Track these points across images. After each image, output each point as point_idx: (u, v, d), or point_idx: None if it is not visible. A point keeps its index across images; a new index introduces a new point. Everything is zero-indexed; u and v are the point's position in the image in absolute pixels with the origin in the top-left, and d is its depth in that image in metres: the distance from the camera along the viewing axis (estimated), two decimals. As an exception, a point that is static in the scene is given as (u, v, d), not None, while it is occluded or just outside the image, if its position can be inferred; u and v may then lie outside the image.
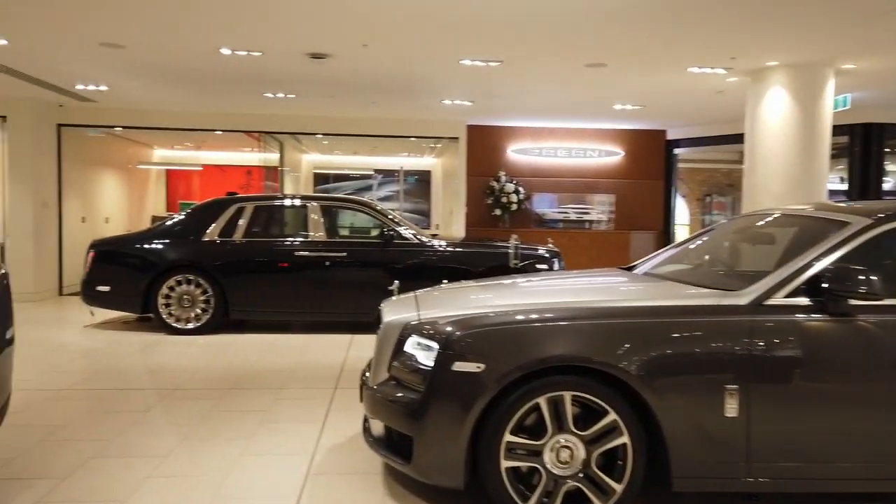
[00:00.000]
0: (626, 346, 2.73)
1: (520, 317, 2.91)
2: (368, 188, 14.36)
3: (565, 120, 10.29)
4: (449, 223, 11.90)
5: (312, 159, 13.83)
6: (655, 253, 4.27)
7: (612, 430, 2.73)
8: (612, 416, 2.71)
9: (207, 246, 6.97)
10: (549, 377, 2.73)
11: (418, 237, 7.22)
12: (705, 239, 4.22)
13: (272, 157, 11.73)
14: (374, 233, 7.49)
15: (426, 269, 7.07)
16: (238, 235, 7.03)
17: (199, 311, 6.89)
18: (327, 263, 6.99)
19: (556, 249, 7.53)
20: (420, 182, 14.70)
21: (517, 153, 10.76)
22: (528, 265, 6.99)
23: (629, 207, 10.87)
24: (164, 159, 13.80)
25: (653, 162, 10.93)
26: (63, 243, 9.69)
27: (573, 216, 10.63)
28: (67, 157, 9.82)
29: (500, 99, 8.47)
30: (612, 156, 10.84)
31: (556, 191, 10.80)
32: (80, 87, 8.14)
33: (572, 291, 3.64)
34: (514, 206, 10.39)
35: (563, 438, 2.73)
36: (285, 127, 10.20)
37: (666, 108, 8.90)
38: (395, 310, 3.29)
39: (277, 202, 7.57)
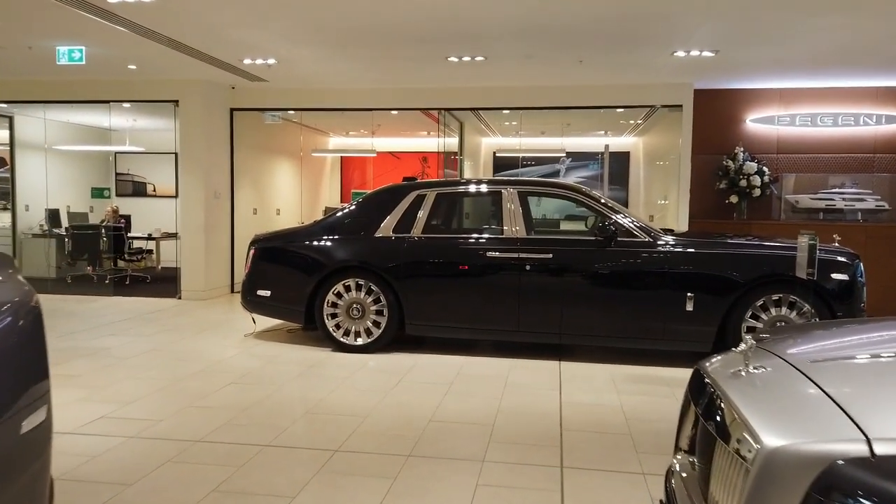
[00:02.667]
0: None
1: None
2: (556, 173, 12.53)
3: (830, 76, 7.69)
4: (664, 214, 9.73)
5: (494, 143, 12.29)
6: None
7: None
8: None
9: (380, 243, 5.61)
10: None
11: (649, 232, 5.30)
12: None
13: (450, 143, 10.33)
14: (589, 227, 5.70)
15: (663, 278, 5.15)
16: (417, 230, 5.59)
17: (369, 323, 5.57)
18: (528, 268, 5.32)
19: (854, 252, 5.22)
20: (616, 165, 12.58)
21: (759, 123, 8.33)
22: (821, 276, 4.78)
23: (925, 191, 7.97)
24: (338, 147, 13.04)
25: (959, 128, 7.92)
26: (235, 237, 9.02)
27: (840, 203, 7.99)
28: (240, 144, 9.12)
29: (758, 44, 6.22)
30: (895, 122, 8.02)
31: (816, 170, 8.21)
32: (247, 61, 7.21)
33: None
34: (757, 192, 8.00)
35: None
36: (467, 102, 8.69)
37: None
38: (775, 412, 1.49)
39: (463, 188, 6.00)
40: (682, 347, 5.22)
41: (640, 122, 10.49)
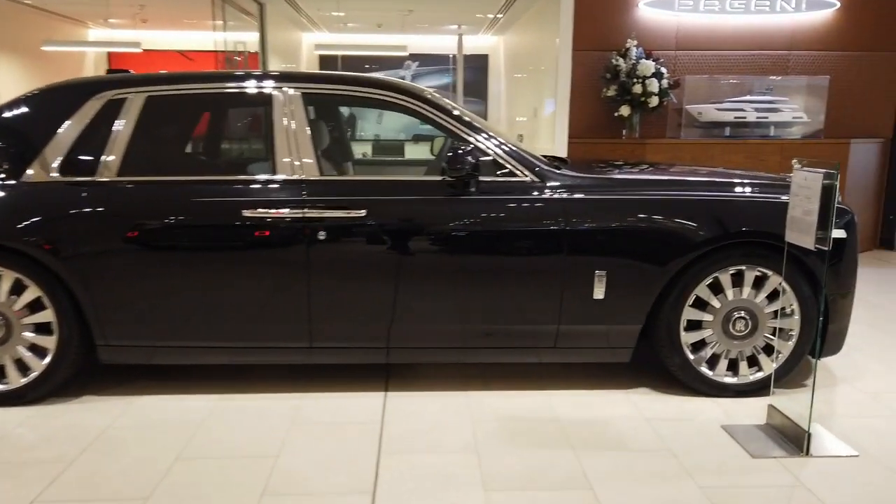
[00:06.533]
0: None
1: None
2: (399, 82, 9.95)
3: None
4: (533, 134, 7.61)
5: (317, 39, 9.42)
6: None
7: None
8: None
9: (32, 196, 2.90)
10: None
11: (532, 166, 3.04)
12: None
13: (245, 38, 7.38)
14: (436, 158, 3.34)
15: (557, 245, 2.95)
16: (109, 169, 2.93)
17: (22, 350, 2.92)
18: (321, 235, 2.89)
19: (847, 207, 3.32)
20: (473, 71, 10.25)
21: (655, 7, 6.28)
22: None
23: (848, 100, 6.43)
24: (100, 41, 9.52)
25: (889, 18, 6.37)
26: None
27: (751, 115, 6.27)
28: None
29: None
30: (819, 7, 6.30)
31: (722, 72, 6.37)
32: None
33: None
34: (654, 100, 6.04)
35: None
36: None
37: None
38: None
39: (199, 88, 3.16)
40: (586, 358, 3.13)
41: (499, 15, 8.13)
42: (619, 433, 2.71)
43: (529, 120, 7.85)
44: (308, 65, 9.66)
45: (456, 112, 3.10)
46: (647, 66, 6.01)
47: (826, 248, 2.45)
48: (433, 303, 2.98)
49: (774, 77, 6.39)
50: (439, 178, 2.97)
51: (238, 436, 2.68)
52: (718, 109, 6.27)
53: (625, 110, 6.12)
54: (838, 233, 3.01)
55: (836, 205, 3.07)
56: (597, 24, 6.25)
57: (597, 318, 3.02)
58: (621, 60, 6.09)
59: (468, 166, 2.87)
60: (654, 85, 6.01)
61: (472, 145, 2.96)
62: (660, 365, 3.11)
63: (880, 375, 3.32)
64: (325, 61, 9.86)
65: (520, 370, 3.34)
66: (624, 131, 6.29)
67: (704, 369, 3.08)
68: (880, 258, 6.31)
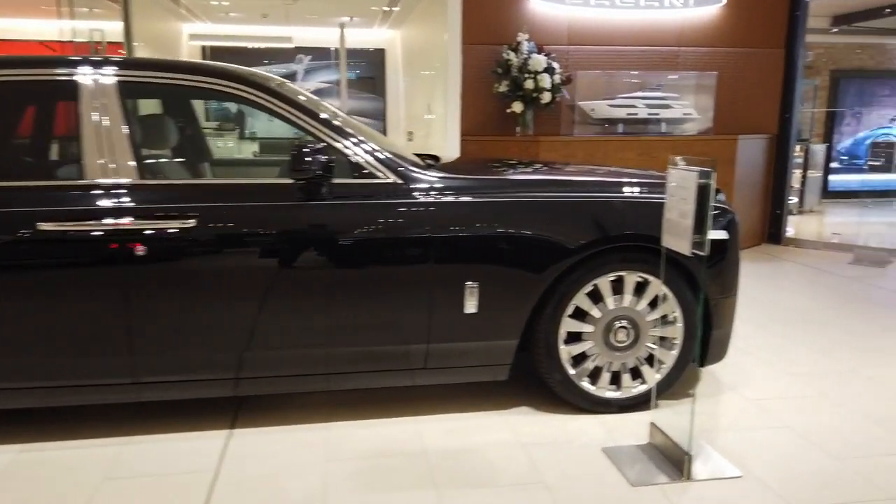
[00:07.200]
0: None
1: None
2: (292, 76, 9.46)
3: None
4: (427, 131, 7.31)
5: (199, 30, 8.75)
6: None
7: None
8: None
9: None
10: None
11: (395, 167, 2.70)
12: None
13: (109, 28, 6.67)
14: (279, 157, 2.94)
15: (423, 254, 2.64)
16: None
17: None
18: (141, 251, 2.43)
19: (728, 207, 3.19)
20: (370, 67, 9.86)
21: (548, 1, 6.10)
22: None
23: (735, 97, 6.47)
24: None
25: (775, 15, 6.47)
26: None
27: (643, 112, 6.20)
28: None
29: None
30: (706, 3, 6.31)
31: (614, 68, 6.28)
32: None
33: None
34: (547, 96, 5.85)
35: None
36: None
37: None
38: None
39: None
40: (461, 378, 2.83)
41: (394, 8, 7.79)
42: (491, 465, 2.42)
43: (425, 117, 7.54)
44: (189, 58, 8.96)
45: (307, 105, 2.71)
46: (539, 60, 5.81)
47: (702, 254, 2.24)
48: (287, 324, 2.58)
49: (667, 73, 6.36)
50: (286, 181, 2.57)
51: (35, 496, 2.20)
52: (611, 106, 6.17)
53: (517, 106, 5.90)
54: (720, 234, 2.84)
55: (718, 204, 2.93)
56: (487, 16, 6.01)
57: (469, 335, 2.72)
58: (513, 55, 5.87)
59: (315, 167, 2.49)
60: (545, 80, 5.82)
61: (323, 143, 2.59)
62: (542, 381, 2.85)
63: (767, 381, 3.20)
64: (215, 56, 9.19)
65: (392, 394, 3.00)
66: (518, 128, 6.08)
67: (586, 384, 2.84)
68: (768, 252, 6.40)
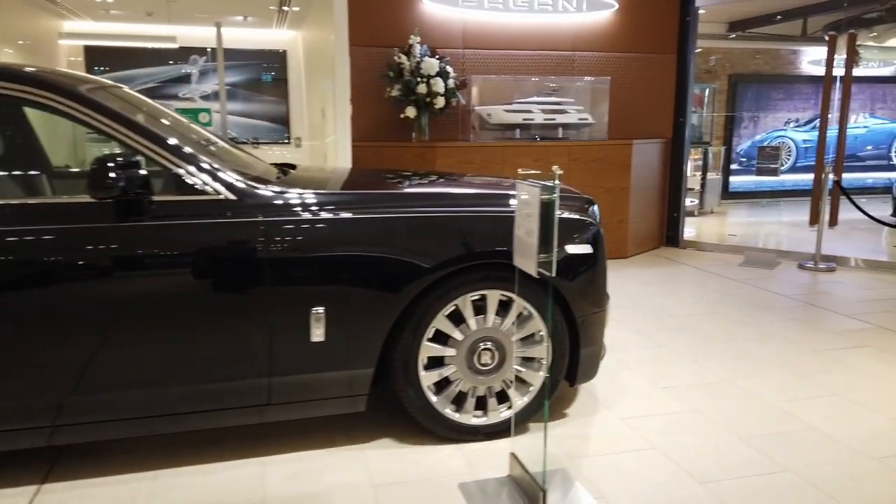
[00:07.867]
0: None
1: None
2: (186, 79, 8.95)
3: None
4: (322, 136, 7.01)
5: (75, 28, 8.12)
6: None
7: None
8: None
9: None
10: None
11: (230, 184, 2.42)
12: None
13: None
14: (85, 172, 2.58)
15: (260, 279, 2.37)
16: None
17: None
18: None
19: (589, 198, 3.07)
20: (272, 69, 9.45)
21: (439, 3, 5.92)
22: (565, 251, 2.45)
23: (630, 101, 6.48)
24: None
25: (666, 21, 6.52)
26: None
27: (539, 118, 6.11)
28: None
29: None
30: (599, 8, 6.29)
31: (509, 72, 6.16)
32: None
33: None
34: (441, 101, 5.67)
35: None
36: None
37: None
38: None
39: None
40: (314, 412, 2.57)
41: (288, 7, 7.44)
42: (333, 513, 2.18)
43: (319, 122, 7.22)
44: (72, 60, 8.31)
45: (121, 113, 2.38)
46: (432, 64, 5.63)
47: (549, 275, 2.08)
48: (105, 364, 2.26)
49: (563, 78, 6.30)
50: (95, 200, 2.25)
51: None
52: (507, 111, 6.05)
53: (411, 111, 5.70)
54: (584, 248, 2.70)
55: (582, 218, 2.80)
56: (376, 17, 5.78)
57: (318, 365, 2.47)
58: (405, 58, 5.67)
59: (122, 184, 2.18)
60: (439, 85, 5.65)
61: (134, 156, 2.28)
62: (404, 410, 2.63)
63: (641, 398, 3.10)
64: (94, 57, 8.55)
65: (235, 433, 2.71)
66: (413, 134, 5.88)
67: (450, 412, 2.64)
68: (665, 255, 6.45)
